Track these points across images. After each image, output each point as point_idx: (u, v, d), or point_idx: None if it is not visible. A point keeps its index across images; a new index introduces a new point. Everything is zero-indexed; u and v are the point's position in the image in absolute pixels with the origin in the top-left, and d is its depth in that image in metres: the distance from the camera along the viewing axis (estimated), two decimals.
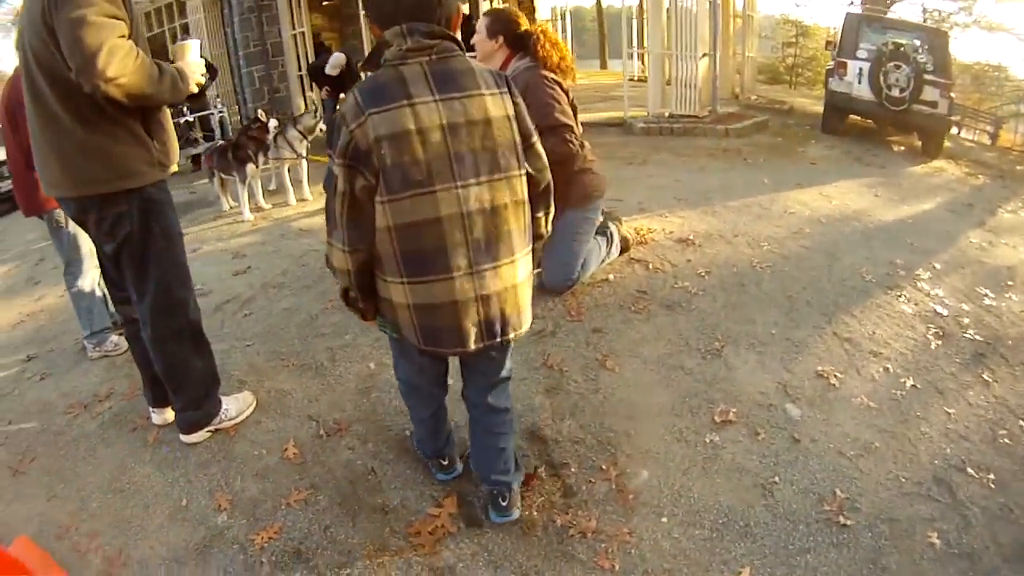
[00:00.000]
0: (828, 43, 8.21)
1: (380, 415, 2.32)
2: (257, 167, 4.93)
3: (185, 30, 9.19)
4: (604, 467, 2.05)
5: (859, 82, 6.24)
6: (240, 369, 2.67)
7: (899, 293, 3.04)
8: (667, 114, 6.87)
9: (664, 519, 1.87)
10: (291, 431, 2.29)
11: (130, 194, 1.91)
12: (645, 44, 8.11)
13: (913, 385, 2.42)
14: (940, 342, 2.70)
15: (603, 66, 15.87)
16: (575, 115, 2.79)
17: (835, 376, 2.42)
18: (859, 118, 6.82)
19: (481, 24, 2.82)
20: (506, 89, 1.56)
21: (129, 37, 1.77)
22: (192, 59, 2.03)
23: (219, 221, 4.97)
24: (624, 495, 1.95)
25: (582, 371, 2.47)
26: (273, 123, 5.11)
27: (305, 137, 5.09)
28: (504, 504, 1.84)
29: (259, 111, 5.43)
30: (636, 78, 9.25)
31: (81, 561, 1.90)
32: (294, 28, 8.75)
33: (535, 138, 1.62)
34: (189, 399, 2.18)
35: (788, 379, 2.41)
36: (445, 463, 2.03)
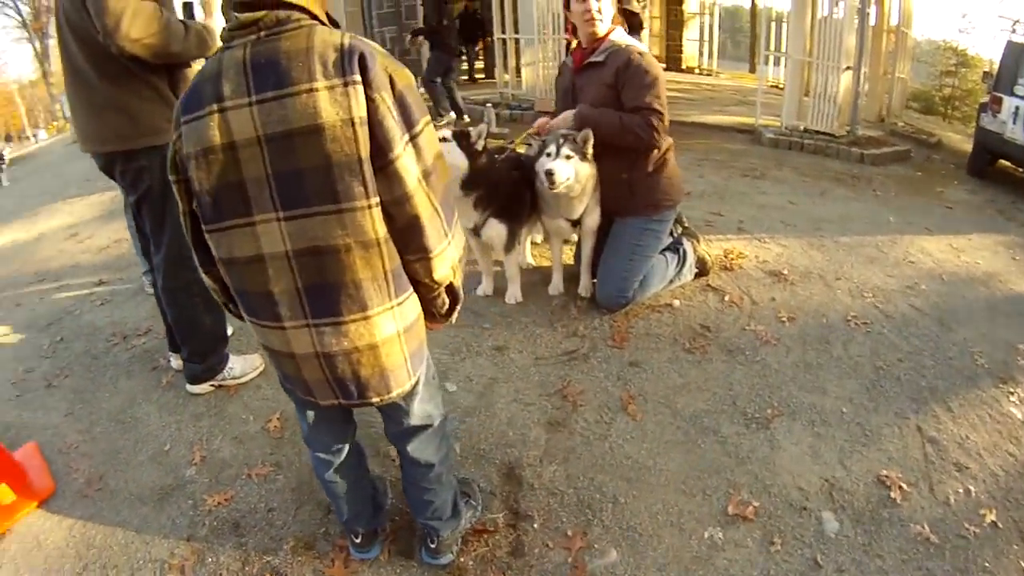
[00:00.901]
0: (985, 75, 6.48)
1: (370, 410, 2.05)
2: None
3: None
4: (570, 533, 1.63)
5: (1014, 122, 4.82)
6: None
7: (1012, 389, 2.21)
8: (802, 128, 5.86)
9: None
10: (282, 404, 2.11)
11: (152, 151, 1.85)
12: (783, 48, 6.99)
13: (993, 522, 1.70)
14: None
15: (752, 69, 14.22)
16: None
17: (900, 487, 1.77)
18: (1010, 164, 5.33)
19: None
20: (357, 77, 0.98)
21: None
22: (205, 14, 2.03)
23: None
24: (577, 573, 1.52)
25: (598, 410, 2.03)
26: None
27: None
28: (433, 547, 1.51)
29: None
30: (779, 86, 8.06)
31: (68, 477, 1.92)
32: None
33: (396, 152, 1.02)
34: (194, 351, 2.14)
35: (840, 478, 1.80)
36: (357, 540, 1.55)
